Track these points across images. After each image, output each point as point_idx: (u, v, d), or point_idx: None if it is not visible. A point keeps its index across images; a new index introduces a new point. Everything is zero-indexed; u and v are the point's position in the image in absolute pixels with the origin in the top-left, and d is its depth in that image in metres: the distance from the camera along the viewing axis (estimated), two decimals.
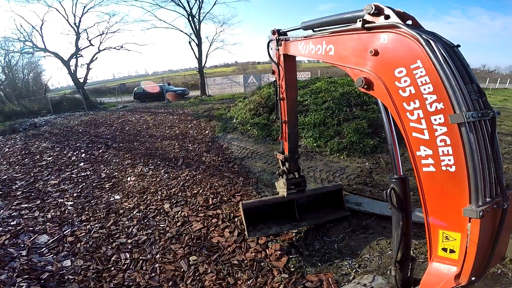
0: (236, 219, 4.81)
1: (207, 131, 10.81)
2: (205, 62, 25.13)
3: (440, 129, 1.55)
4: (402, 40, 1.65)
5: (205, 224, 4.72)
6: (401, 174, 2.04)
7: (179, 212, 5.13)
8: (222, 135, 10.01)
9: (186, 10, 23.38)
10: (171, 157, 8.27)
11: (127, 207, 5.50)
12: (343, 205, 4.88)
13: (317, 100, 9.77)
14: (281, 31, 3.63)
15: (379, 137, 7.68)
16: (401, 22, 1.67)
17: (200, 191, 5.92)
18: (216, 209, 5.14)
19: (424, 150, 1.64)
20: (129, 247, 4.30)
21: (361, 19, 1.86)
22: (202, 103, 17.60)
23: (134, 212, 5.27)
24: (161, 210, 5.28)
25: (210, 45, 25.49)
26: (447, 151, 1.54)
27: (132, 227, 4.79)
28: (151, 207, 5.43)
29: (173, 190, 6.06)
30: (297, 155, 4.46)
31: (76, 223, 5.06)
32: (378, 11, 1.78)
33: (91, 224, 5.00)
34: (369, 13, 1.82)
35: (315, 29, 2.65)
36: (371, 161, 6.79)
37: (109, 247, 4.32)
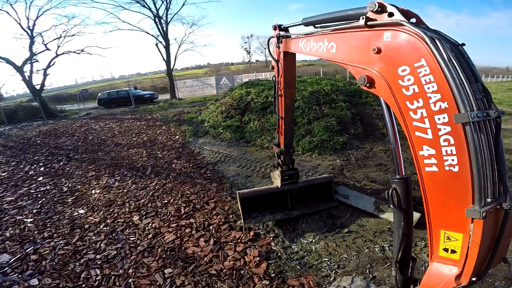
0: (211, 227, 4.66)
1: (177, 137, 10.45)
2: (174, 65, 24.53)
3: (444, 129, 1.52)
4: (406, 38, 1.62)
5: (178, 234, 4.54)
6: (403, 174, 2.01)
7: (150, 224, 4.91)
8: (193, 140, 9.73)
9: (152, 12, 22.62)
10: (139, 166, 7.89)
11: (92, 222, 5.19)
12: (332, 197, 5.17)
13: None
14: (282, 26, 3.59)
15: (348, 134, 7.86)
16: (406, 20, 1.64)
17: (171, 200, 5.69)
18: (189, 218, 4.96)
19: (427, 150, 1.62)
20: (98, 263, 4.09)
21: (364, 17, 1.83)
22: (172, 107, 17.05)
23: (101, 227, 5.00)
24: (130, 223, 5.01)
25: (179, 46, 24.90)
26: (451, 151, 1.52)
27: (100, 242, 4.55)
28: (119, 220, 5.16)
29: (142, 201, 5.79)
30: (292, 149, 4.65)
31: (39, 241, 4.75)
32: (382, 9, 1.75)
33: (55, 240, 4.71)
34: (372, 11, 1.78)
35: (316, 26, 2.63)
36: (341, 158, 6.91)
37: (77, 264, 4.09)
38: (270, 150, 7.78)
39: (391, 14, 1.72)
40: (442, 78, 1.48)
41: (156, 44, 23.40)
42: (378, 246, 4.01)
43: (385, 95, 1.81)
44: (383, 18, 1.75)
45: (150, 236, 4.58)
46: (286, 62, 3.81)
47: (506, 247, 1.67)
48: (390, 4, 1.74)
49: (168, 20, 23.45)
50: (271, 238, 4.31)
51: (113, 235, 4.70)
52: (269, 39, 3.89)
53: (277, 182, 4.78)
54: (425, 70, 1.54)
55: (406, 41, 1.63)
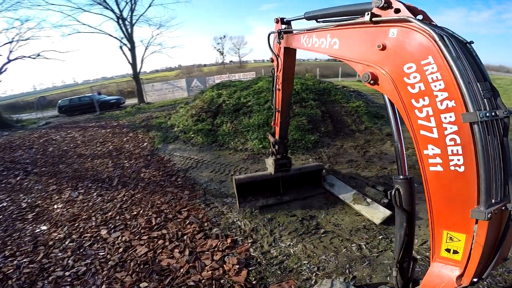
0: (185, 237, 4.44)
1: (145, 144, 9.94)
2: (141, 68, 23.47)
3: (450, 128, 1.49)
4: (413, 35, 1.58)
5: (150, 247, 4.30)
6: (407, 174, 1.97)
7: (119, 237, 4.62)
8: (162, 147, 9.30)
9: (115, 13, 21.48)
10: (105, 177, 7.41)
11: (57, 238, 4.85)
12: (321, 184, 5.49)
13: (260, 100, 9.73)
14: (285, 19, 3.50)
15: (318, 132, 7.94)
16: (413, 17, 1.61)
17: (141, 211, 5.38)
18: (161, 229, 4.71)
19: (432, 149, 1.59)
20: (68, 280, 3.85)
21: (369, 13, 1.79)
22: (140, 112, 16.29)
23: (67, 243, 4.68)
24: (98, 237, 4.72)
25: (146, 49, 23.84)
26: (457, 150, 1.49)
27: (67, 259, 4.27)
28: (86, 235, 4.84)
29: (109, 214, 5.44)
30: (286, 140, 4.86)
31: (0, 259, 4.40)
32: (388, 5, 1.71)
33: (18, 259, 4.38)
34: (377, 7, 1.74)
35: (318, 20, 2.58)
36: (313, 156, 6.95)
37: (46, 282, 3.86)
38: (245, 153, 7.64)
39: (397, 10, 1.69)
40: (449, 76, 1.44)
41: (121, 47, 22.30)
42: (355, 245, 4.01)
43: (390, 92, 1.78)
44: (389, 14, 1.72)
45: (120, 250, 4.32)
46: (286, 58, 3.79)
47: (508, 248, 1.65)
48: (397, 0, 1.70)
49: (133, 21, 22.43)
50: (250, 244, 4.18)
51: (81, 250, 4.45)
52: (269, 34, 3.80)
53: (270, 169, 5.03)
54: (432, 68, 1.51)
55: (413, 38, 1.59)
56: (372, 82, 1.85)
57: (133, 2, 21.68)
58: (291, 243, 4.13)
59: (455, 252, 1.63)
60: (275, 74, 4.07)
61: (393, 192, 1.96)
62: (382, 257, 3.75)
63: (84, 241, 4.66)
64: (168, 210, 5.31)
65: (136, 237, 4.57)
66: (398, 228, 2.07)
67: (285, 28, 3.55)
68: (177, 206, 5.40)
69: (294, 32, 3.25)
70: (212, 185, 6.20)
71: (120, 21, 21.68)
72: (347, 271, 3.55)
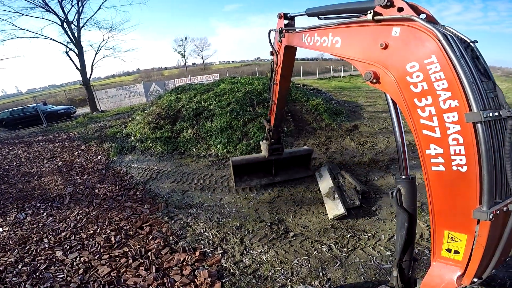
0: (149, 253, 4.17)
1: (99, 157, 9.17)
2: (91, 73, 21.79)
3: (453, 128, 1.48)
4: (416, 34, 1.57)
5: (113, 266, 4.04)
6: (408, 174, 1.95)
7: (77, 258, 4.33)
8: (118, 159, 8.64)
9: (59, 17, 19.63)
10: (54, 195, 6.72)
11: (8, 262, 4.44)
12: (309, 166, 6.03)
13: (222, 103, 9.47)
14: (288, 15, 3.48)
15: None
16: (416, 15, 1.60)
17: (98, 230, 5.00)
18: (122, 247, 4.41)
19: (435, 149, 1.58)
20: None
21: (371, 11, 1.78)
22: (93, 121, 15.07)
23: (20, 267, 4.32)
24: (54, 259, 4.37)
25: (96, 53, 22.20)
26: (459, 150, 1.48)
27: (23, 283, 3.99)
28: (40, 257, 4.46)
29: (63, 234, 5.03)
30: (281, 128, 5.34)
31: None
32: (390, 3, 1.70)
33: None
34: (380, 5, 1.73)
35: (320, 17, 2.58)
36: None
37: None
38: (208, 159, 7.35)
39: (400, 9, 1.68)
40: (453, 76, 1.43)
41: (67, 52, 20.50)
42: (325, 246, 3.99)
43: (392, 91, 1.77)
44: (392, 12, 1.71)
45: (81, 271, 4.04)
46: (286, 57, 3.85)
47: (509, 248, 1.64)
48: None
49: (81, 25, 20.73)
50: (220, 255, 4.02)
51: (37, 274, 4.14)
52: (270, 31, 3.83)
53: (265, 152, 5.41)
54: (436, 67, 1.49)
55: (416, 37, 1.57)
56: (374, 81, 1.85)
57: (80, 4, 20.07)
58: (263, 250, 4.03)
59: (456, 252, 1.64)
60: (274, 69, 4.19)
61: (394, 192, 1.95)
62: (353, 256, 3.76)
63: (39, 264, 4.31)
64: (128, 227, 5.00)
65: (96, 257, 4.28)
66: (399, 228, 2.05)
67: (287, 23, 3.55)
68: (137, 222, 5.09)
69: (296, 30, 3.22)
70: (175, 196, 5.89)
71: (65, 25, 19.91)
72: (320, 273, 3.52)
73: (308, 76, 38.59)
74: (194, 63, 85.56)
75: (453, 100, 1.46)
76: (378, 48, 1.78)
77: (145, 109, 11.64)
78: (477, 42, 1.60)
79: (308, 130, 8.56)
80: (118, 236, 4.71)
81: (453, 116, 1.47)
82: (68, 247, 4.65)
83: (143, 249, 4.31)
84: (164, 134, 8.86)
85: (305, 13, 2.84)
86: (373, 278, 3.38)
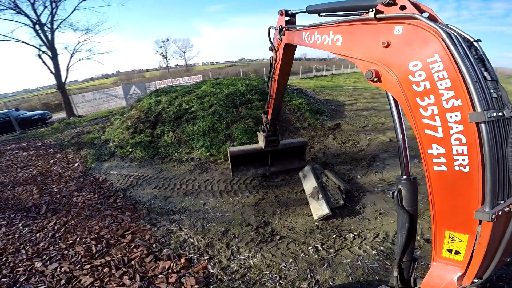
0: (133, 261, 4.04)
1: (76, 164, 8.78)
2: (66, 77, 20.87)
3: (456, 127, 1.47)
4: (419, 32, 1.56)
5: (96, 276, 3.93)
6: (410, 174, 1.93)
7: (58, 269, 4.16)
8: (96, 166, 8.29)
9: (31, 19, 18.66)
10: (30, 205, 6.40)
11: None
12: (304, 157, 6.25)
13: (204, 105, 9.29)
14: (290, 12, 3.48)
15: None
16: (419, 14, 1.58)
17: (78, 239, 4.84)
18: (104, 256, 4.29)
19: (437, 149, 1.56)
20: None
21: (373, 9, 1.75)
22: (69, 127, 14.41)
23: None
24: (34, 271, 4.22)
25: (71, 56, 21.29)
26: (462, 150, 1.46)
27: None
28: (18, 269, 4.29)
29: (41, 244, 4.84)
30: (276, 122, 5.45)
31: None
32: (393, 1, 1.68)
33: None
34: (382, 3, 1.72)
35: (321, 14, 2.55)
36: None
37: None
38: (191, 163, 7.19)
39: (403, 7, 1.66)
40: (456, 75, 1.42)
41: (39, 55, 19.56)
42: (311, 247, 3.97)
43: (394, 90, 1.75)
44: (395, 11, 1.69)
45: (63, 282, 3.92)
46: (286, 54, 3.87)
47: (510, 249, 1.63)
48: None
49: (54, 27, 19.81)
50: (207, 261, 3.93)
51: (17, 286, 4.01)
52: (269, 28, 3.84)
53: (261, 143, 5.61)
54: (439, 66, 1.48)
55: (419, 35, 1.56)
56: (375, 80, 1.83)
57: (53, 6, 19.18)
58: (250, 254, 3.97)
59: (457, 252, 1.63)
60: (273, 65, 4.23)
61: (395, 193, 1.93)
62: (340, 257, 3.76)
63: (18, 276, 4.15)
64: (109, 235, 4.85)
65: (77, 267, 4.14)
66: (400, 228, 2.03)
67: (288, 20, 3.54)
68: (118, 230, 4.94)
69: (296, 28, 3.19)
70: (157, 202, 5.72)
71: (38, 27, 18.97)
72: (308, 276, 3.50)
73: (292, 76, 38.72)
74: (177, 65, 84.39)
75: (456, 100, 1.44)
76: (380, 47, 1.76)
77: (124, 113, 11.27)
78: (480, 41, 1.58)
79: (292, 130, 8.57)
80: (99, 245, 4.56)
81: (456, 116, 1.46)
82: (47, 257, 4.48)
83: (126, 257, 4.17)
84: (144, 138, 8.58)
85: (305, 10, 2.81)
86: (361, 278, 3.38)
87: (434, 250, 1.76)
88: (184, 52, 74.66)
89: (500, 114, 1.40)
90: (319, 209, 4.56)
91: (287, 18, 3.53)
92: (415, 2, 1.68)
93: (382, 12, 1.75)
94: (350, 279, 3.39)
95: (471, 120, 1.39)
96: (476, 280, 1.57)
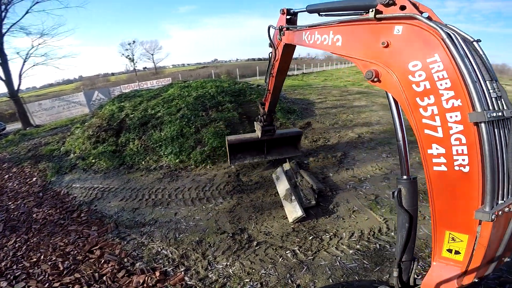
0: (104, 277, 3.85)
1: (34, 179, 8.10)
2: (19, 84, 19.22)
3: (456, 127, 1.47)
4: (419, 32, 1.56)
5: None
6: (410, 174, 1.93)
7: None
8: (57, 179, 7.68)
9: None
10: None
11: None
12: (298, 146, 6.37)
13: (171, 110, 8.96)
14: (292, 10, 3.47)
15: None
16: (419, 14, 1.59)
17: (42, 257, 4.57)
18: (73, 273, 4.05)
19: (437, 149, 1.57)
20: None
21: (373, 9, 1.76)
22: (25, 139, 13.27)
23: None
24: None
25: (24, 62, 19.66)
26: (462, 150, 1.47)
27: None
28: None
29: (3, 264, 4.57)
30: (274, 113, 5.64)
31: None
32: (393, 1, 1.69)
33: None
34: (382, 3, 1.72)
35: (321, 14, 2.57)
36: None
37: None
38: (160, 172, 6.87)
39: (403, 7, 1.67)
40: (456, 75, 1.43)
41: None
42: (289, 251, 3.92)
43: (394, 90, 1.75)
44: (394, 11, 1.70)
45: None
46: (285, 53, 3.90)
47: (510, 249, 1.64)
48: None
49: (3, 31, 18.15)
50: (183, 273, 3.77)
51: None
52: (269, 26, 3.85)
53: (258, 132, 5.71)
54: (438, 66, 1.48)
55: (418, 35, 1.57)
56: (375, 80, 1.84)
57: (3, 9, 17.56)
58: (228, 263, 3.87)
59: (457, 252, 1.63)
60: (272, 62, 4.28)
61: (395, 193, 1.92)
62: (318, 259, 3.73)
63: None
64: (75, 251, 4.59)
65: (46, 285, 3.94)
66: (400, 228, 2.02)
67: (290, 19, 3.54)
68: (85, 245, 4.70)
69: (297, 28, 3.18)
70: (125, 215, 5.41)
71: None
72: (289, 281, 3.45)
73: (264, 75, 38.94)
74: (145, 68, 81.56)
75: (456, 100, 1.45)
76: (380, 47, 1.76)
77: (85, 122, 10.56)
78: (480, 41, 1.60)
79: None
80: (66, 262, 4.32)
81: (456, 116, 1.46)
82: (12, 277, 4.21)
83: (97, 273, 3.97)
84: (108, 148, 8.08)
85: (305, 9, 2.81)
86: (341, 280, 3.37)
87: (434, 250, 1.77)
88: (152, 55, 72.46)
89: (500, 114, 1.41)
90: (293, 211, 4.52)
91: (288, 17, 3.52)
92: (414, 2, 1.69)
93: (381, 12, 1.76)
94: (331, 281, 3.37)
95: (471, 120, 1.40)
96: (476, 280, 1.58)
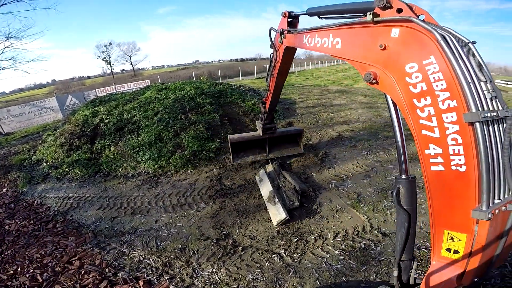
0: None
1: (4, 189, 7.62)
2: None
3: (452, 128, 1.50)
4: (415, 34, 1.59)
5: None
6: (408, 174, 1.95)
7: None
8: (29, 189, 7.27)
9: None
10: None
11: None
12: (300, 145, 6.41)
13: (148, 113, 8.69)
14: (293, 13, 3.50)
15: (219, 138, 7.60)
16: (415, 16, 1.62)
17: (19, 269, 4.43)
18: (53, 285, 3.93)
19: (434, 149, 1.59)
20: None
21: (371, 12, 1.79)
22: None
23: None
24: None
25: None
26: (458, 150, 1.50)
27: None
28: None
29: None
30: (274, 112, 5.74)
31: None
32: (389, 4, 1.72)
33: None
34: (379, 6, 1.75)
35: (321, 16, 2.61)
36: (217, 166, 6.64)
37: None
38: (138, 178, 6.65)
39: (399, 10, 1.70)
40: (451, 76, 1.45)
41: None
42: (275, 254, 3.89)
43: (392, 92, 1.79)
44: (391, 14, 1.73)
45: None
46: (285, 56, 3.98)
47: (509, 248, 1.66)
48: (399, 0, 1.70)
49: None
50: (167, 281, 3.69)
51: None
52: (270, 29, 3.97)
53: (259, 131, 5.79)
54: (434, 68, 1.51)
55: (415, 37, 1.60)
56: (374, 82, 1.87)
57: None
58: (214, 269, 3.81)
59: (456, 251, 1.64)
60: (273, 63, 4.35)
61: (394, 192, 1.94)
62: (304, 261, 3.71)
63: None
64: (53, 263, 4.45)
65: None
66: (399, 227, 2.02)
67: (291, 21, 3.59)
68: (63, 257, 4.57)
69: (297, 31, 3.20)
70: (103, 224, 5.22)
71: None
72: (277, 285, 3.42)
73: (247, 76, 39.11)
74: (123, 70, 79.32)
75: (452, 100, 1.48)
76: (378, 49, 1.79)
77: (57, 128, 10.04)
78: (475, 42, 1.63)
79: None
80: (45, 274, 4.19)
81: (452, 116, 1.49)
82: None
83: (78, 285, 3.87)
84: (82, 155, 7.71)
85: (306, 12, 2.88)
86: (329, 281, 3.36)
87: (433, 249, 1.78)
88: (130, 56, 70.50)
89: (494, 114, 1.43)
90: (276, 214, 4.48)
91: (289, 19, 3.56)
92: (411, 5, 1.72)
93: (379, 15, 1.79)
94: (318, 283, 3.36)
95: (466, 120, 1.42)
96: (475, 279, 1.60)
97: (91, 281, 3.86)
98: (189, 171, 6.52)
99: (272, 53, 4.25)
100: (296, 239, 4.11)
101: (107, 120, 8.68)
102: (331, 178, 5.68)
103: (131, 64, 71.98)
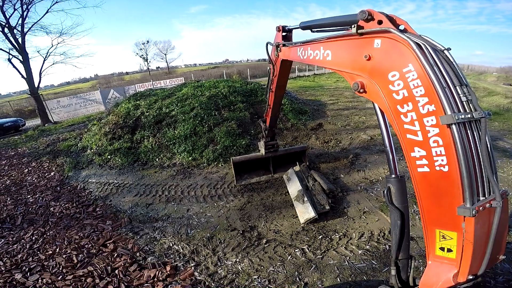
0: (116, 271, 3.95)
1: (52, 173, 8.38)
2: (39, 82, 19.95)
3: (433, 130, 1.58)
4: (394, 44, 1.69)
5: (79, 286, 3.82)
6: (397, 174, 2.05)
7: (39, 280, 4.02)
8: (74, 174, 7.95)
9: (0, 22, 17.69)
10: (4, 217, 6.08)
11: None
12: (305, 161, 6.25)
13: (185, 109, 9.11)
14: (287, 27, 3.63)
15: (249, 135, 7.78)
16: (393, 27, 1.71)
17: (57, 250, 4.69)
18: (87, 266, 4.15)
19: (418, 151, 1.68)
20: None
21: (355, 25, 1.88)
22: (44, 134, 13.78)
23: None
24: (14, 282, 4.02)
25: (44, 60, 20.37)
26: (440, 151, 1.57)
27: None
28: None
29: (19, 256, 4.67)
30: (275, 128, 5.71)
31: None
32: (371, 17, 1.80)
33: None
34: (362, 19, 1.83)
35: (313, 30, 2.71)
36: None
37: None
38: (173, 169, 7.02)
39: (380, 22, 1.77)
40: (428, 82, 1.55)
41: (9, 59, 18.58)
42: (298, 249, 3.95)
43: (378, 100, 1.88)
44: (373, 25, 1.81)
45: None
46: (282, 68, 4.07)
47: (501, 244, 1.71)
48: (380, 12, 1.79)
49: (25, 30, 18.87)
50: (193, 268, 3.84)
51: None
52: (267, 43, 4.00)
53: (262, 150, 5.79)
54: (413, 75, 1.61)
55: (394, 47, 1.70)
56: (361, 91, 1.95)
57: (24, 8, 18.26)
58: (237, 260, 3.92)
59: (449, 250, 1.68)
60: (271, 77, 4.44)
61: (385, 191, 2.04)
62: (326, 258, 3.75)
63: None
64: (90, 245, 4.70)
65: (59, 278, 4.00)
66: (393, 226, 2.09)
67: (285, 35, 3.71)
68: (100, 239, 4.81)
69: (292, 44, 3.33)
70: (138, 210, 5.54)
71: (7, 30, 17.99)
72: (297, 279, 3.47)
73: None
74: (158, 67, 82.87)
75: (431, 105, 1.56)
76: (363, 60, 1.88)
77: (102, 119, 10.88)
78: (450, 49, 1.69)
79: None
80: (80, 255, 4.42)
81: (432, 120, 1.58)
82: (27, 269, 4.30)
83: (109, 267, 4.06)
84: (123, 144, 8.29)
85: (299, 26, 2.97)
86: (349, 279, 3.38)
87: (428, 249, 1.81)
88: (165, 54, 73.46)
89: (469, 116, 1.51)
90: (305, 212, 4.54)
91: (284, 34, 3.68)
92: (392, 16, 1.79)
93: (363, 27, 1.87)
94: (339, 280, 3.39)
95: (442, 122, 1.51)
96: (471, 277, 1.61)
97: (122, 264, 4.08)
98: (220, 165, 6.78)
99: (269, 69, 4.32)
100: (320, 236, 4.15)
101: (147, 113, 9.25)
102: (360, 180, 5.62)
103: (166, 62, 74.97)
